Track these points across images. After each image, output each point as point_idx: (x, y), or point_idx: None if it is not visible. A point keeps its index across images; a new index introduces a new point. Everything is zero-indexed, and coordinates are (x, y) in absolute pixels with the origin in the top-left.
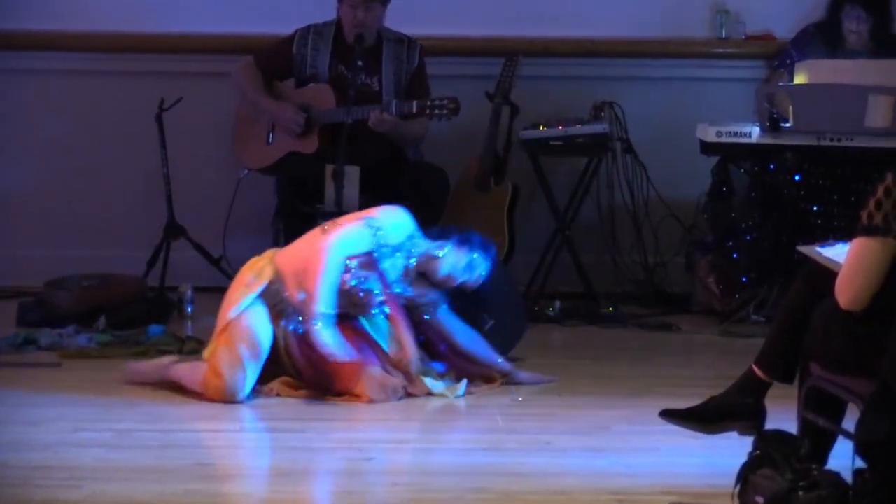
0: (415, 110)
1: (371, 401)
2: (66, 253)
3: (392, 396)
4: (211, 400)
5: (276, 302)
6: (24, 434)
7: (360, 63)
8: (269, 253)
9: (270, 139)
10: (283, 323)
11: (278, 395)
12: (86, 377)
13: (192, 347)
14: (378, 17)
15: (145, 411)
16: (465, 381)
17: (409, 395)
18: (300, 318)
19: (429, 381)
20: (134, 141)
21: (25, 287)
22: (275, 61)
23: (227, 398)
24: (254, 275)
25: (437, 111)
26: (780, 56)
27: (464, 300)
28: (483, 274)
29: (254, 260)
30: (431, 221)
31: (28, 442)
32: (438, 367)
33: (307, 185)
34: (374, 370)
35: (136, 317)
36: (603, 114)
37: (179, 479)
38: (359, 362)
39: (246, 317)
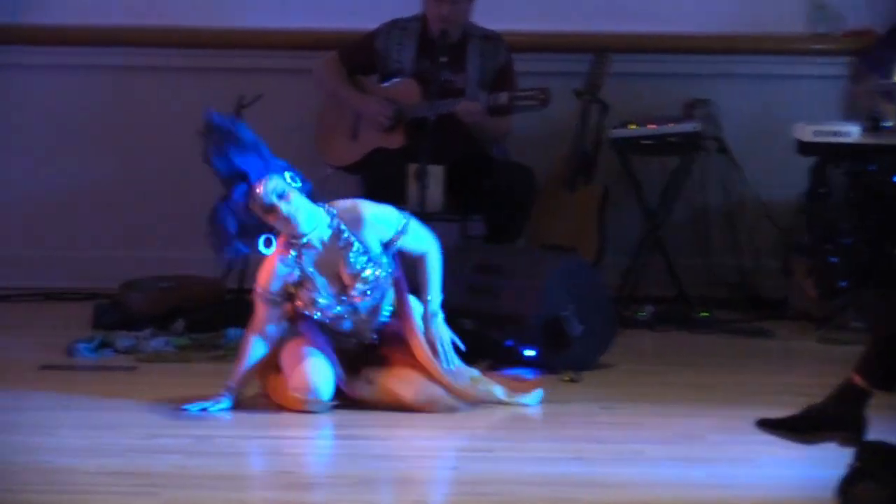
0: (505, 101)
1: (419, 410)
2: (143, 254)
3: (441, 410)
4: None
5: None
6: (98, 439)
7: (443, 59)
8: None
9: (356, 135)
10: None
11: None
12: (163, 381)
13: None
14: (464, 12)
15: (224, 417)
16: (540, 391)
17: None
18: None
19: (497, 390)
20: None
21: (101, 289)
22: (358, 56)
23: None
24: None
25: (526, 102)
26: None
27: (553, 304)
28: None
29: None
30: (518, 222)
31: (103, 447)
32: (524, 373)
33: (391, 184)
34: (421, 385)
35: (215, 319)
36: (695, 112)
37: (258, 488)
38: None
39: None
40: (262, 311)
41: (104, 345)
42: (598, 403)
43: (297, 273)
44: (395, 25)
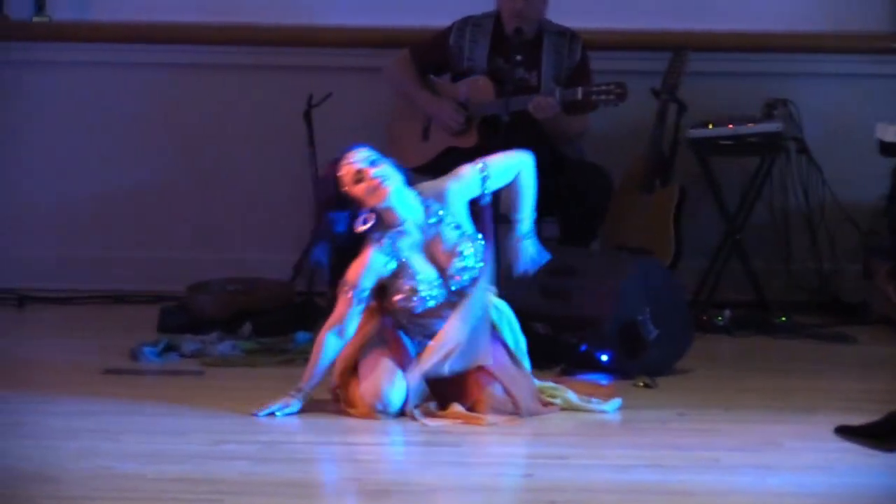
0: (580, 96)
1: (486, 422)
2: (211, 256)
3: (509, 416)
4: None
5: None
6: (165, 445)
7: (518, 57)
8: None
9: (427, 135)
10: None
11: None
12: (230, 386)
13: None
14: (539, 9)
15: (292, 422)
16: (619, 400)
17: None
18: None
19: (572, 396)
20: (281, 139)
21: (168, 291)
22: (431, 54)
23: (377, 409)
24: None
25: (602, 97)
26: None
27: (629, 308)
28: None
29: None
30: (593, 224)
31: (169, 453)
32: (598, 378)
33: None
34: (496, 391)
35: (283, 323)
36: (775, 112)
37: (329, 495)
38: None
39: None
40: (344, 308)
41: (170, 348)
42: (674, 409)
43: (393, 262)
44: (468, 22)
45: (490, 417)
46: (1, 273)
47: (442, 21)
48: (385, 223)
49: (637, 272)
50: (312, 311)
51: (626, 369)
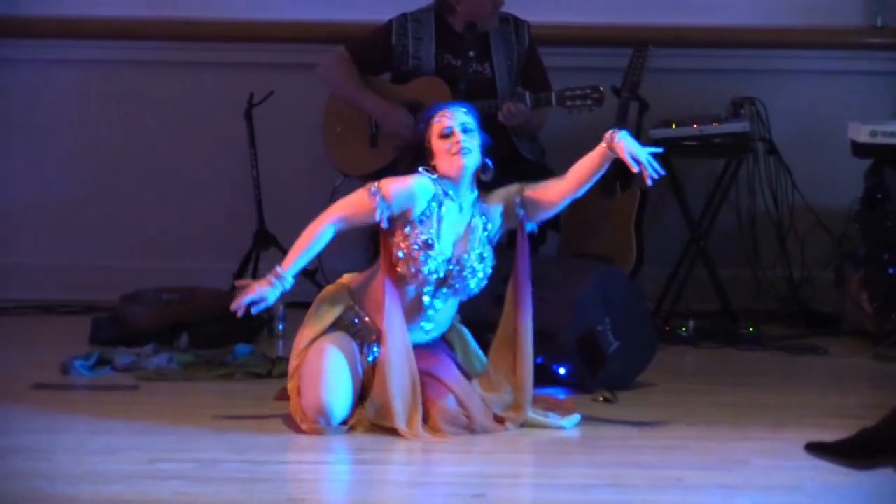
0: (554, 102)
1: (442, 435)
2: (144, 264)
3: (462, 431)
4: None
5: (354, 331)
6: (97, 464)
7: (471, 53)
8: (344, 278)
9: (375, 142)
10: (364, 350)
11: (353, 428)
12: (166, 401)
13: (284, 369)
14: (501, 6)
15: (231, 440)
16: (577, 415)
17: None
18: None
19: (531, 412)
20: (221, 139)
21: (100, 301)
22: (373, 53)
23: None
24: (327, 305)
25: (579, 102)
26: None
27: (588, 318)
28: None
29: (327, 289)
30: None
31: (102, 473)
32: (556, 392)
33: None
34: (449, 403)
35: (222, 335)
36: (743, 111)
37: None
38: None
39: (323, 340)
40: (358, 206)
41: (102, 362)
42: (636, 425)
43: (431, 206)
44: (407, 18)
45: (445, 430)
46: None
47: (386, 15)
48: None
49: (596, 280)
50: (253, 322)
51: (585, 383)
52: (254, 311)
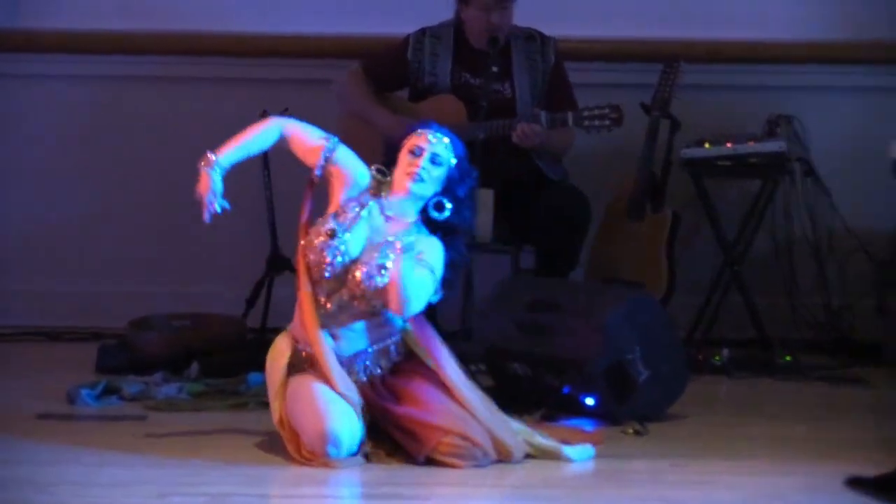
0: (570, 122)
1: (455, 466)
2: (154, 289)
3: (474, 462)
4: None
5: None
6: (104, 498)
7: (495, 69)
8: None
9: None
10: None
11: (367, 458)
12: (176, 432)
13: None
14: (512, 16)
15: (244, 473)
16: (591, 448)
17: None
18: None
19: (542, 439)
20: None
21: (107, 328)
22: (388, 69)
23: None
24: (275, 353)
25: (596, 122)
26: None
27: (617, 347)
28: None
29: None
30: (571, 251)
31: None
32: (583, 423)
33: None
34: (454, 440)
35: (234, 363)
36: (779, 129)
37: None
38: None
39: (293, 380)
40: (309, 133)
41: (109, 391)
42: (667, 459)
43: (355, 202)
44: (426, 34)
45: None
46: None
47: (402, 29)
48: (384, 188)
49: (625, 307)
50: (266, 350)
51: (614, 414)
52: (212, 209)
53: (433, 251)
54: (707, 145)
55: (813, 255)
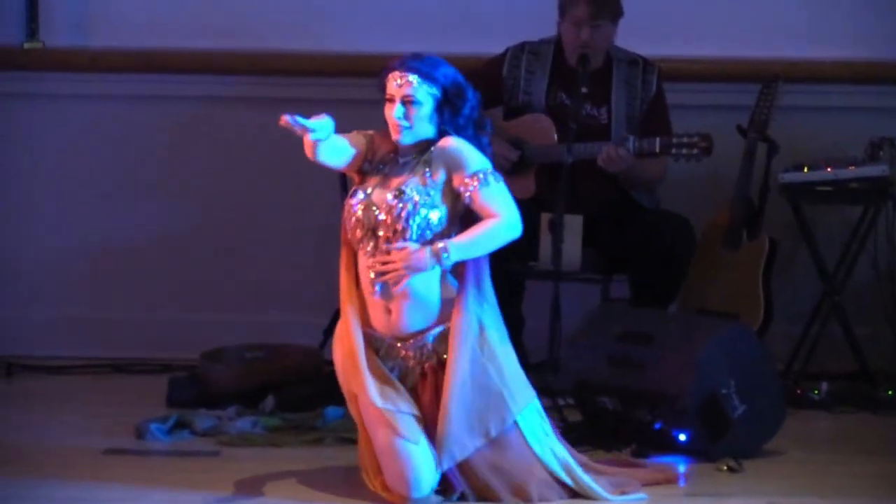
0: (657, 149)
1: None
2: (228, 318)
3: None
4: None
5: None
6: None
7: (584, 90)
8: None
9: None
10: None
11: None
12: (249, 468)
13: None
14: (607, 37)
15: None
16: (644, 496)
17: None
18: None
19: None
20: (308, 182)
21: (178, 359)
22: (481, 86)
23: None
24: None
25: (684, 151)
26: None
27: (711, 380)
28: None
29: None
30: (673, 284)
31: None
32: (675, 461)
33: (519, 237)
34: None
35: (311, 397)
36: (882, 153)
37: None
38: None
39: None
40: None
41: (180, 425)
42: (764, 497)
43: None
44: (524, 49)
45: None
46: None
47: (489, 48)
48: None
49: (720, 339)
50: None
51: (708, 451)
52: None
53: (467, 154)
54: (806, 169)
55: None
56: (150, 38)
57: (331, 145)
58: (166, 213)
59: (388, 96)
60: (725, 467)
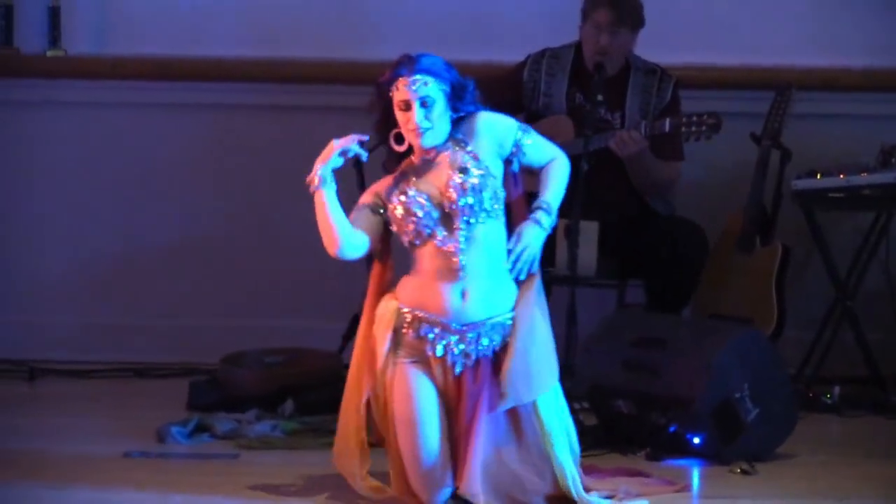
0: (667, 128)
1: None
2: (248, 323)
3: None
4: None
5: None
6: None
7: (599, 97)
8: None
9: None
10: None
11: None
12: (269, 472)
13: None
14: (625, 44)
15: None
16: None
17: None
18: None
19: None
20: None
21: (198, 363)
22: (503, 92)
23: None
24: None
25: (694, 128)
26: None
27: (725, 384)
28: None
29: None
30: (686, 289)
31: None
32: (690, 464)
33: None
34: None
35: (331, 400)
36: (894, 160)
37: None
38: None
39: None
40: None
41: (201, 429)
42: (777, 500)
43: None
44: (545, 54)
45: None
46: (9, 343)
47: (504, 57)
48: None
49: (733, 344)
50: None
51: (722, 454)
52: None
53: (496, 119)
54: (819, 176)
55: None
56: (171, 46)
57: (350, 244)
58: (188, 219)
59: (401, 103)
60: (739, 470)
